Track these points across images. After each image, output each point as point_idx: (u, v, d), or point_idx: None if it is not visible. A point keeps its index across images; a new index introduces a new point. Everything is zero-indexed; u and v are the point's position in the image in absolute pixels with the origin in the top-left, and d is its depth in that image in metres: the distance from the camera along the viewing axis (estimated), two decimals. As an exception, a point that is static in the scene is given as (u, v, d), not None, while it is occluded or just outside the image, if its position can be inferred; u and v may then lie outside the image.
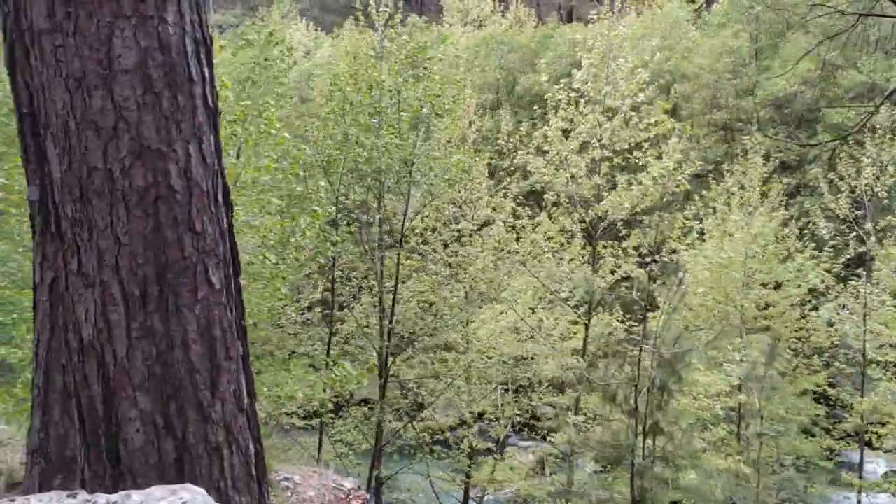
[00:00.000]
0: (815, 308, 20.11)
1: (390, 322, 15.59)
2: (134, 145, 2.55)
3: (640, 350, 10.28)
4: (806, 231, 20.80)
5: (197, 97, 2.65)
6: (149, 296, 2.60)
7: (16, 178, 11.85)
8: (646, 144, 15.48)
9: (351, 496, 5.50)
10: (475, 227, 19.20)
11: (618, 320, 17.43)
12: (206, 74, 2.70)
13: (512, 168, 20.00)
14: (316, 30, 50.43)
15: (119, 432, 2.65)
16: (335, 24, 51.17)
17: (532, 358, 18.70)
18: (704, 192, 20.81)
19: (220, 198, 2.75)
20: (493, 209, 18.59)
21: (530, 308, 18.73)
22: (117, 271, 2.57)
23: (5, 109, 14.10)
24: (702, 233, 19.84)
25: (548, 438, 17.06)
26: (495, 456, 18.66)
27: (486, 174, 20.19)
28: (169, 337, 2.62)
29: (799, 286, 19.30)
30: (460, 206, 19.63)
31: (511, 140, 19.39)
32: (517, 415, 19.20)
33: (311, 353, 15.86)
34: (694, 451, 11.01)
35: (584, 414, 16.50)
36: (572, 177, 15.50)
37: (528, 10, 44.31)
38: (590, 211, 15.68)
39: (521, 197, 20.89)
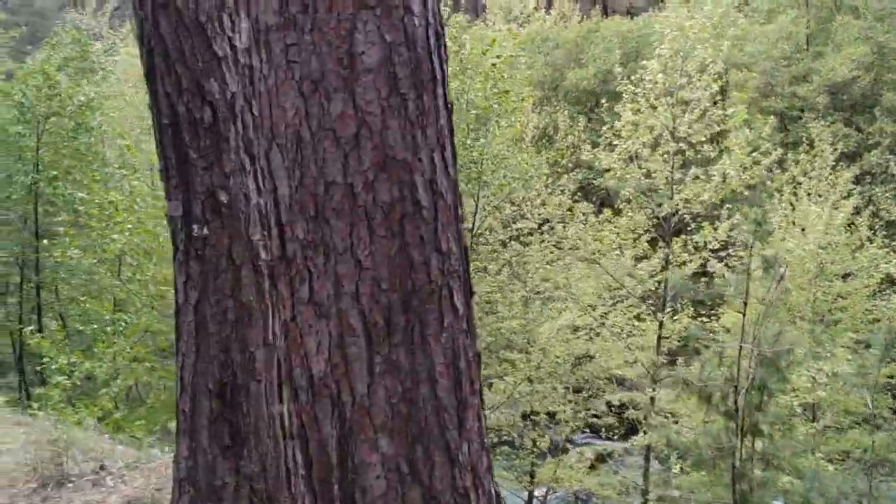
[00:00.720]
0: (888, 298, 19.42)
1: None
2: (378, 155, 2.23)
3: (740, 348, 9.86)
4: (877, 219, 20.12)
5: (440, 97, 2.33)
6: (394, 325, 2.28)
7: (95, 191, 11.82)
8: (730, 134, 14.97)
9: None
10: (536, 225, 18.78)
11: (689, 316, 16.92)
12: (446, 72, 2.38)
13: (570, 164, 19.58)
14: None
15: (356, 479, 2.34)
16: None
17: (598, 356, 18.24)
18: (768, 182, 20.17)
19: (459, 211, 2.43)
20: (559, 206, 18.14)
21: (590, 305, 18.27)
22: (357, 299, 2.27)
23: (73, 124, 14.16)
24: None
25: (630, 439, 16.58)
26: (560, 455, 18.22)
27: (546, 172, 19.74)
28: (415, 371, 2.31)
29: (871, 276, 18.67)
30: (518, 205, 19.24)
31: (569, 136, 18.96)
32: (584, 414, 18.76)
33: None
34: (794, 451, 10.58)
35: (657, 413, 16.06)
36: (647, 173, 15.04)
37: (571, 6, 43.72)
38: (664, 206, 15.21)
39: (578, 193, 20.47)
